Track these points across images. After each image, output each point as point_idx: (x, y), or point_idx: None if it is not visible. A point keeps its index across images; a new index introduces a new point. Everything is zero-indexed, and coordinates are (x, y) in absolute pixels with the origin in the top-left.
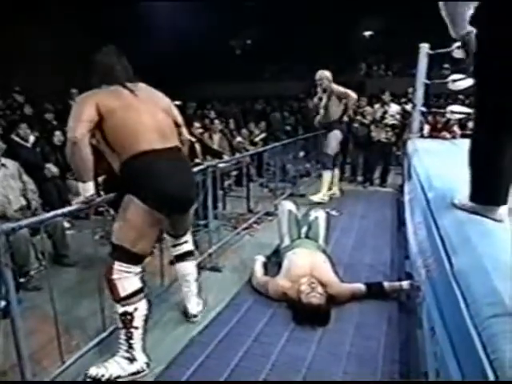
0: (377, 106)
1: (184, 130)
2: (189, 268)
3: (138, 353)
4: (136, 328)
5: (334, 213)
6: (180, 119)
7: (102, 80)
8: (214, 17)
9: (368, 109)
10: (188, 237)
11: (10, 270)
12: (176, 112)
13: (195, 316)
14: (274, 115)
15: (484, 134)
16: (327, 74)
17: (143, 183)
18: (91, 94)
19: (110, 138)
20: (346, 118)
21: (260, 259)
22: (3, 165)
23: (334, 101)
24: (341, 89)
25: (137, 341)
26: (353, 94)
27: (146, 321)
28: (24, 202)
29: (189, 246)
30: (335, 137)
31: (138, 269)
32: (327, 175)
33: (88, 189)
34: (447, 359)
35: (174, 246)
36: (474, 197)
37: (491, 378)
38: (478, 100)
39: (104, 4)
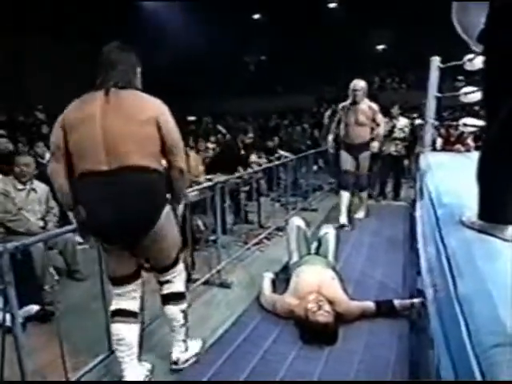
0: (385, 119)
1: (175, 150)
2: (173, 313)
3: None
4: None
5: (346, 228)
6: (171, 137)
7: (95, 84)
8: (228, 34)
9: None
10: (172, 275)
11: (14, 287)
12: (168, 128)
13: (175, 363)
14: (294, 129)
15: (491, 149)
16: (364, 84)
17: (80, 210)
18: (65, 110)
19: (71, 155)
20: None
21: (268, 276)
22: (33, 189)
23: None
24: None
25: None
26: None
27: None
28: (41, 224)
29: (174, 287)
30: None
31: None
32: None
33: (71, 217)
34: None
35: (159, 282)
36: (482, 214)
37: None
38: (486, 113)
39: (120, 20)
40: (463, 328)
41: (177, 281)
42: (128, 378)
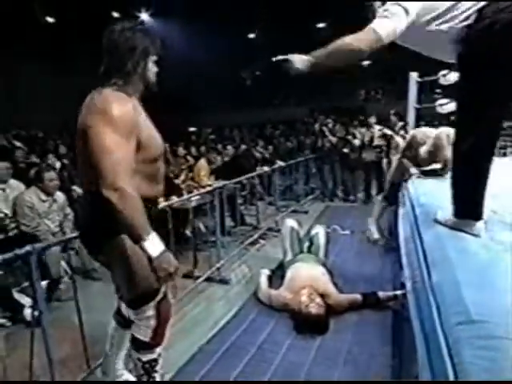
0: (363, 129)
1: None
2: (133, 359)
3: None
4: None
5: (346, 231)
6: (91, 147)
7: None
8: (226, 52)
9: (357, 132)
10: (137, 317)
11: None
12: (90, 135)
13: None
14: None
15: (461, 152)
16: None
17: None
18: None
19: None
20: None
21: (265, 273)
22: (55, 200)
23: None
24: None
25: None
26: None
27: None
28: (57, 230)
29: (136, 331)
30: None
31: None
32: None
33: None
34: (422, 365)
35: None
36: (455, 211)
37: (451, 377)
38: (457, 119)
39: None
40: (434, 310)
41: (142, 326)
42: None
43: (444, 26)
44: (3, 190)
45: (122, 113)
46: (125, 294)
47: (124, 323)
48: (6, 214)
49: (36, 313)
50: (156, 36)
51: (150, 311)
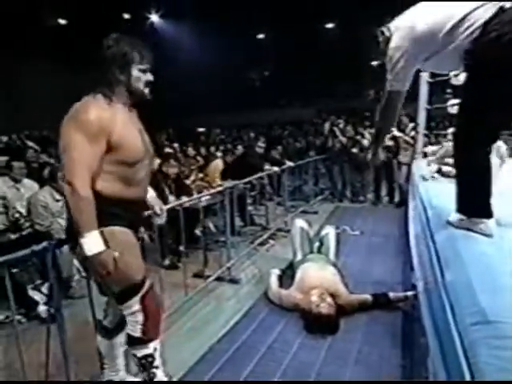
0: (372, 130)
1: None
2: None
3: None
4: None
5: (356, 232)
6: (60, 146)
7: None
8: (235, 53)
9: (366, 133)
10: (126, 311)
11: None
12: (61, 136)
13: None
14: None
15: (464, 152)
16: None
17: None
18: None
19: None
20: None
21: (275, 272)
22: None
23: None
24: None
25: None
26: None
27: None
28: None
29: (128, 327)
30: None
31: None
32: None
33: None
34: (437, 366)
35: None
36: (463, 211)
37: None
38: (463, 117)
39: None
40: (448, 311)
41: (131, 321)
42: None
43: (451, 46)
44: (18, 189)
45: (88, 118)
46: (108, 290)
47: (107, 333)
48: (20, 213)
49: (52, 310)
50: (143, 45)
51: (136, 306)
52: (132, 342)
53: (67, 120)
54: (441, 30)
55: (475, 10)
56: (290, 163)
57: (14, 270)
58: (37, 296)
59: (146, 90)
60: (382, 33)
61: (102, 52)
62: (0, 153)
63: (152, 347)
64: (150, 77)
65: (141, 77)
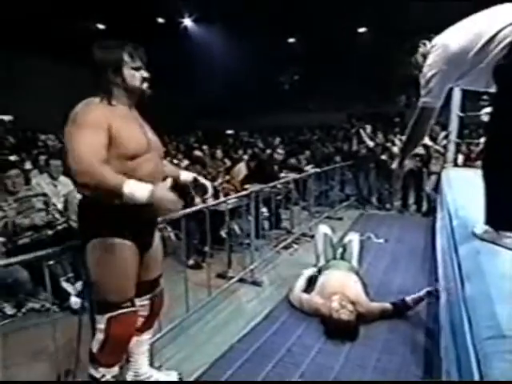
0: (403, 137)
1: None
2: None
3: None
4: None
5: (381, 240)
6: (65, 149)
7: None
8: (266, 57)
9: (396, 140)
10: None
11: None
12: (65, 141)
13: None
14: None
15: (494, 161)
16: None
17: None
18: None
19: None
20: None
21: (305, 275)
22: None
23: None
24: None
25: None
26: None
27: None
28: None
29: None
30: None
31: None
32: None
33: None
34: (453, 377)
35: None
36: (489, 222)
37: None
38: (493, 131)
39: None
40: (466, 323)
41: (96, 334)
42: None
43: (482, 64)
44: (55, 186)
45: (87, 116)
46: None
47: (136, 330)
48: (57, 210)
49: (86, 303)
50: (132, 45)
51: (101, 324)
52: (90, 355)
53: (68, 125)
54: (472, 49)
55: (505, 28)
56: (312, 169)
57: (50, 263)
58: (69, 288)
59: (144, 86)
60: (424, 44)
61: (94, 61)
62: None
63: (101, 373)
64: (144, 73)
65: (135, 74)
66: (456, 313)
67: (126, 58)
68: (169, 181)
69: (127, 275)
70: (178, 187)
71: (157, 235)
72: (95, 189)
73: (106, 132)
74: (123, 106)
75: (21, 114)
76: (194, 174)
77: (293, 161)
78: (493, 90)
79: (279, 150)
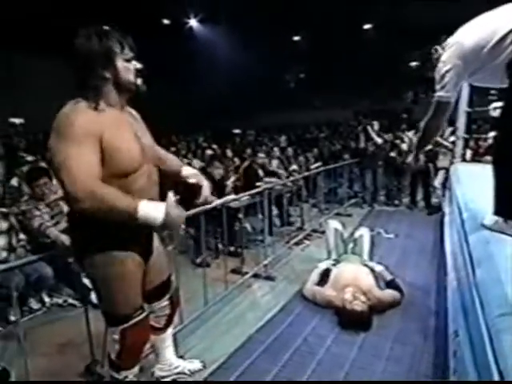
0: (410, 133)
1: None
2: None
3: None
4: None
5: (390, 235)
6: (53, 167)
7: None
8: (271, 55)
9: (405, 137)
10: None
11: None
12: (51, 156)
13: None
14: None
15: (504, 152)
16: None
17: None
18: None
19: None
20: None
21: (319, 268)
22: None
23: None
24: None
25: None
26: None
27: None
28: None
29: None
30: None
31: None
32: None
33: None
34: (466, 358)
35: None
36: (499, 212)
37: (494, 369)
38: (504, 124)
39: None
40: (477, 304)
41: (113, 344)
42: None
43: (496, 61)
44: None
45: (70, 124)
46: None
47: (155, 330)
48: None
49: None
50: (120, 33)
51: (116, 335)
52: (109, 361)
53: (52, 136)
54: (486, 46)
55: None
56: (314, 168)
57: (71, 260)
58: (89, 283)
59: (139, 81)
60: (436, 50)
61: (77, 53)
62: None
63: (122, 375)
64: (137, 64)
65: (128, 66)
66: (467, 296)
67: (116, 47)
68: (171, 195)
69: (135, 287)
70: (185, 187)
71: (155, 239)
72: (99, 213)
73: (98, 143)
74: (114, 107)
75: (29, 116)
76: (196, 171)
77: (301, 158)
78: (505, 85)
79: (261, 154)
